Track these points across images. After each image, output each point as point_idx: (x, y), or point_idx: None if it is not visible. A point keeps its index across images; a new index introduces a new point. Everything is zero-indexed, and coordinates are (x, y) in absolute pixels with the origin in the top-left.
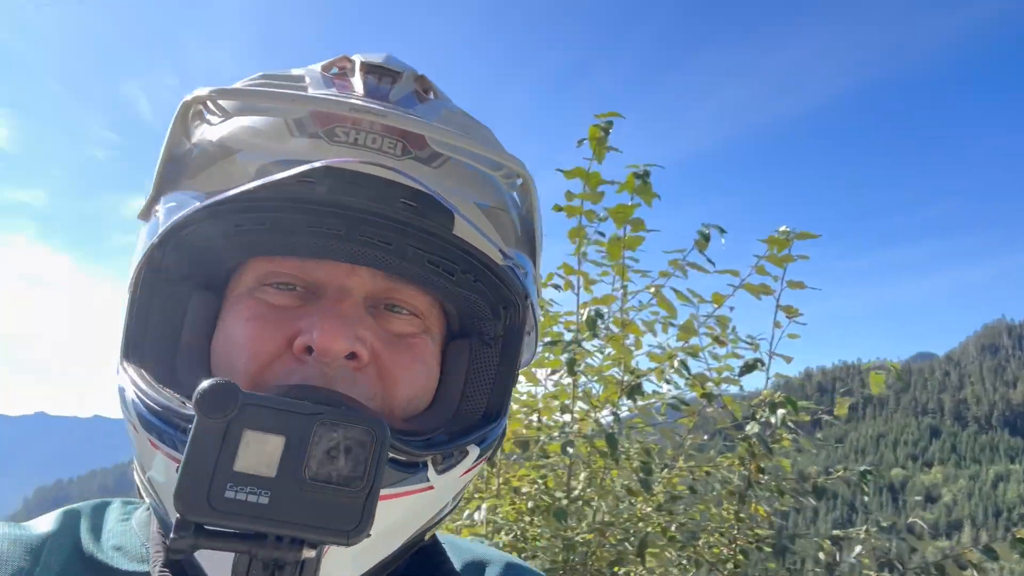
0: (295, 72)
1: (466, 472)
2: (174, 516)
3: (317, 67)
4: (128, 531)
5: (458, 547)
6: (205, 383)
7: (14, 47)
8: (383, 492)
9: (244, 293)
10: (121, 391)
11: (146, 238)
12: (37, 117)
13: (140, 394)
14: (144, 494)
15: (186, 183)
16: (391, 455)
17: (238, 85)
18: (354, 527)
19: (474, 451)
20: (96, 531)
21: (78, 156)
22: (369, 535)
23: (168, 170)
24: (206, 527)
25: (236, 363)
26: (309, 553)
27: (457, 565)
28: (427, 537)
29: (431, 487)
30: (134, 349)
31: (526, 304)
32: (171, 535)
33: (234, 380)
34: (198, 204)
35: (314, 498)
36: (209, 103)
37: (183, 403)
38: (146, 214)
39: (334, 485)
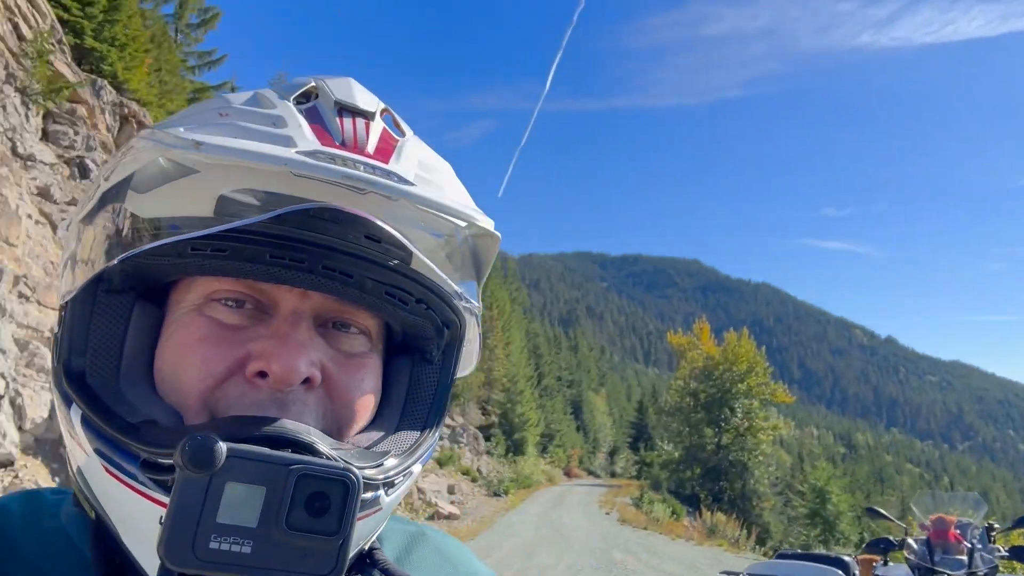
0: (267, 102)
1: (408, 488)
2: (128, 538)
3: (288, 98)
4: (58, 529)
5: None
6: (188, 438)
7: None
8: None
9: (192, 309)
10: (66, 408)
11: (90, 249)
12: None
13: (92, 417)
14: (80, 489)
15: (135, 197)
16: None
17: (203, 116)
18: (331, 570)
19: (417, 469)
20: (27, 527)
21: None
22: None
23: (117, 181)
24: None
25: (186, 384)
26: None
27: (397, 545)
28: (366, 547)
29: (380, 509)
30: (76, 363)
31: (469, 322)
32: None
33: (183, 400)
34: (165, 241)
35: (294, 545)
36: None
37: (138, 435)
38: (88, 219)
39: (312, 534)
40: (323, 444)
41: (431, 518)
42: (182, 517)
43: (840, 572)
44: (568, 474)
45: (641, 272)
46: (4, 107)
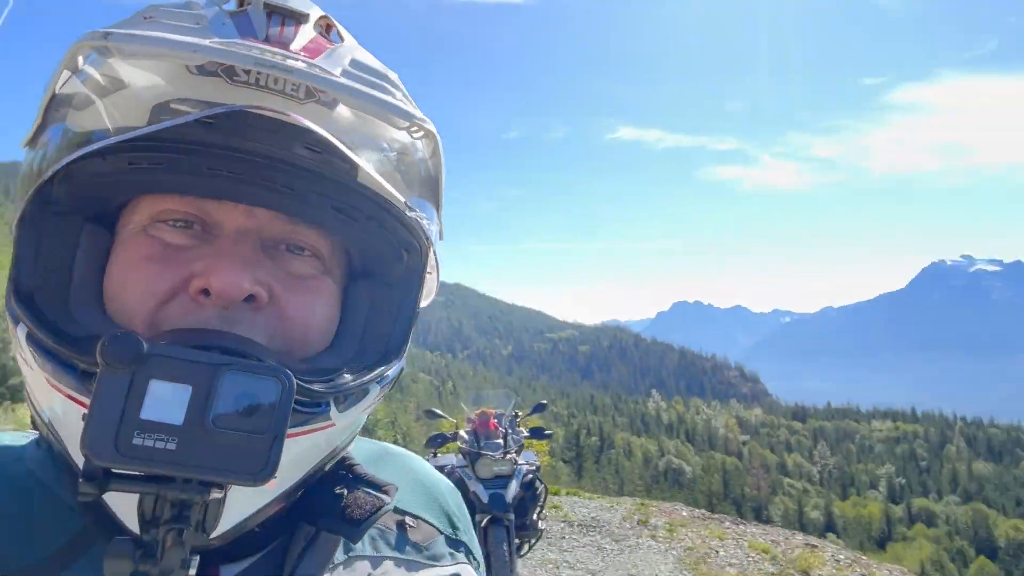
0: (195, 6)
1: (365, 409)
2: (78, 459)
3: (219, 4)
4: (27, 474)
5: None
6: (109, 335)
7: None
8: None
9: (138, 230)
10: (14, 327)
11: (35, 169)
12: None
13: (35, 331)
14: (41, 429)
15: (75, 114)
16: (296, 397)
17: (129, 21)
18: (260, 469)
19: (375, 390)
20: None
21: None
22: (275, 477)
23: (56, 99)
24: (115, 471)
25: (131, 303)
26: (217, 494)
27: (365, 461)
28: (327, 468)
29: (332, 424)
30: (25, 284)
31: (427, 247)
32: (80, 480)
33: (129, 320)
34: (94, 146)
35: (221, 443)
36: (102, 49)
37: (79, 347)
38: (33, 142)
39: (241, 432)
40: (260, 353)
41: None
42: (103, 412)
43: None
44: None
45: None
46: None
